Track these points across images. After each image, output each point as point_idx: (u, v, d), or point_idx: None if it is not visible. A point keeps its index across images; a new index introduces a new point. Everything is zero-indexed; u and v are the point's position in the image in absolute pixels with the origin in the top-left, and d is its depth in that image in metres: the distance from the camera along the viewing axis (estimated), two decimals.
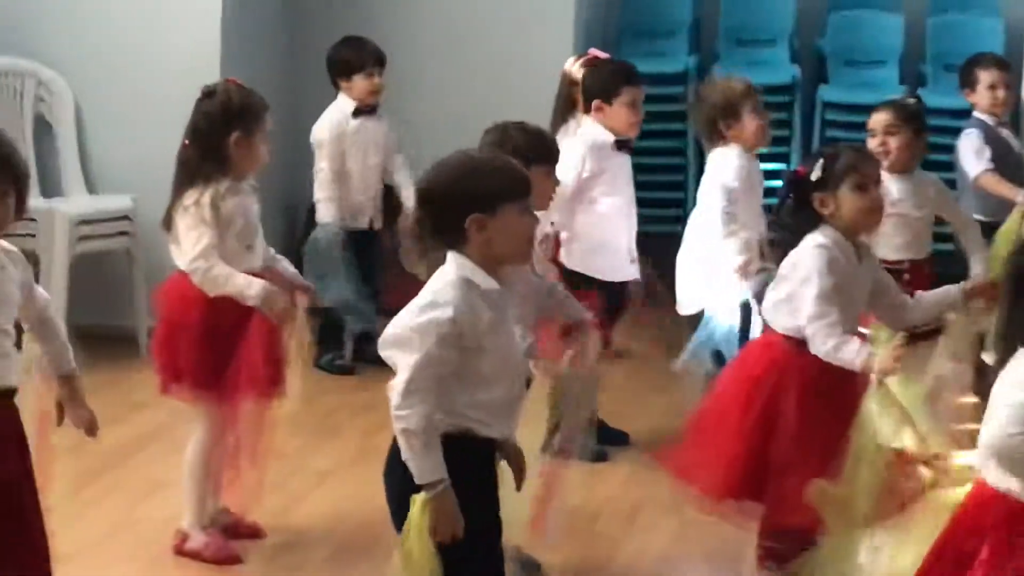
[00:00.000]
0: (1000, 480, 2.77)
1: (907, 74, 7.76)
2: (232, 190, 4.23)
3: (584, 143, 5.13)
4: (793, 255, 3.82)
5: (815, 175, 3.81)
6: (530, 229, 3.09)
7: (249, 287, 4.18)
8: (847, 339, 3.63)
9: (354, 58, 6.08)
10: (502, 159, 3.23)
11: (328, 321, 5.95)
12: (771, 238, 4.47)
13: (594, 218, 5.14)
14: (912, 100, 5.79)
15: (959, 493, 3.20)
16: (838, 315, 3.68)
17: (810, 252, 3.73)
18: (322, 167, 6.08)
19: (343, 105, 6.04)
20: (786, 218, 4.04)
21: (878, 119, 5.18)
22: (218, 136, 4.21)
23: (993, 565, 2.80)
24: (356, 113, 6.04)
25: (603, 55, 5.65)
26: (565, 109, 5.48)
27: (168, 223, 4.21)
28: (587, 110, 5.23)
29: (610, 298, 5.14)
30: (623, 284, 5.28)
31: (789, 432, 3.78)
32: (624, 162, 5.27)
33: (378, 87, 6.09)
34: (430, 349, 2.84)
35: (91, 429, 3.43)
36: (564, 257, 5.11)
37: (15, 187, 3.09)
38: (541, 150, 4.06)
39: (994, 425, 2.77)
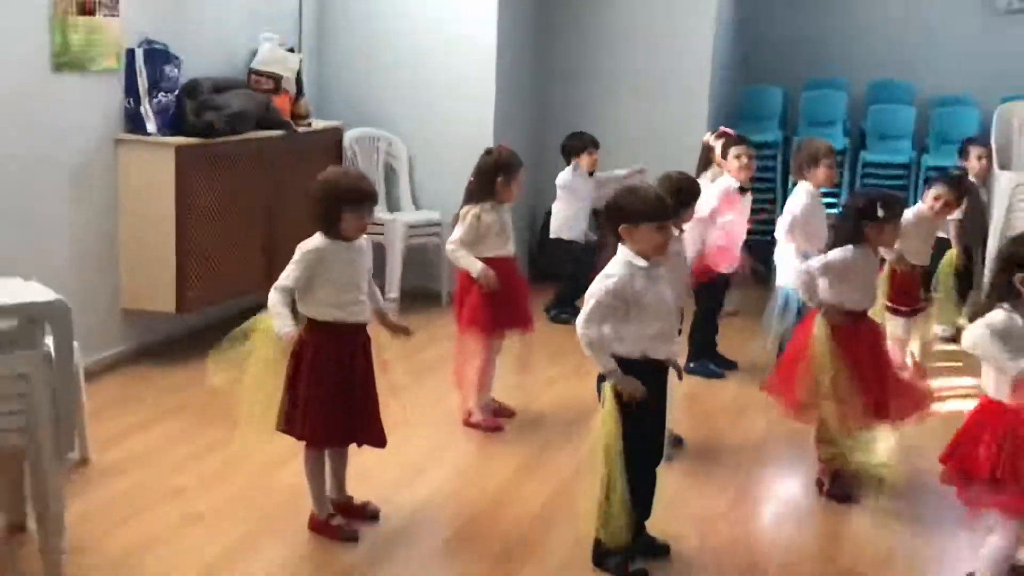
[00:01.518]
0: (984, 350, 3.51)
1: (916, 145, 8.87)
2: (492, 210, 5.12)
3: (718, 187, 6.17)
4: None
5: (880, 213, 4.43)
6: (662, 241, 3.78)
7: (472, 265, 5.08)
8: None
9: (578, 144, 7.36)
10: (651, 193, 3.89)
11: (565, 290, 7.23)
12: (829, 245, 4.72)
13: (718, 232, 6.11)
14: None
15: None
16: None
17: (844, 251, 4.49)
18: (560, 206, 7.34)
19: (576, 171, 7.30)
20: (843, 234, 4.59)
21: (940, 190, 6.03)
22: (490, 178, 5.14)
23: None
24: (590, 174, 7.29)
25: (730, 131, 6.72)
26: (703, 165, 6.64)
27: (454, 224, 5.23)
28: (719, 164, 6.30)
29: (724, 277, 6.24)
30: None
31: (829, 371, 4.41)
32: (744, 199, 6.26)
33: (595, 162, 7.34)
34: (601, 298, 3.66)
35: (404, 332, 4.25)
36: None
37: (371, 206, 4.00)
38: (688, 194, 4.92)
39: (976, 325, 3.58)
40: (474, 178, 5.23)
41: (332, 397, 3.96)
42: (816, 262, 4.59)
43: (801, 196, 5.93)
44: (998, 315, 3.59)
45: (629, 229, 3.78)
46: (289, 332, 3.89)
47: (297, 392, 3.96)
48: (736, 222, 6.25)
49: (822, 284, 4.55)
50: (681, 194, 4.81)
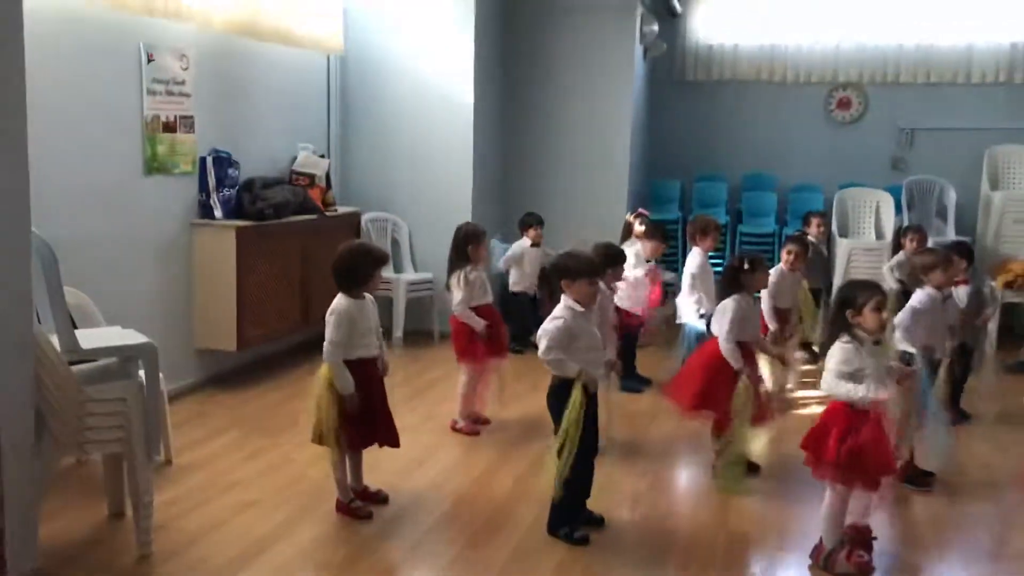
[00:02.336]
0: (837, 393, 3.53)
1: (778, 220, 8.99)
2: (472, 270, 5.12)
3: (636, 254, 6.14)
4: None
5: (747, 266, 4.51)
6: (593, 292, 3.81)
7: (476, 324, 5.05)
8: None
9: (528, 221, 7.19)
10: (585, 256, 3.92)
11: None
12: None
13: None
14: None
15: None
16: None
17: (728, 304, 4.49)
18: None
19: (525, 241, 7.22)
20: (725, 287, 4.57)
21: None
22: (462, 247, 5.09)
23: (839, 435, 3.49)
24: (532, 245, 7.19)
25: (645, 212, 6.90)
26: (624, 236, 6.67)
27: (448, 287, 5.23)
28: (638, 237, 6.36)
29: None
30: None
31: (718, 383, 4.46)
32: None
33: (540, 235, 7.18)
34: (553, 334, 3.70)
35: (384, 371, 4.10)
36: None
37: (382, 267, 4.02)
38: (613, 258, 4.92)
39: (827, 371, 3.58)
40: (452, 248, 5.20)
41: (357, 414, 3.94)
42: (727, 326, 4.47)
43: (696, 257, 5.98)
44: (838, 352, 3.58)
45: (568, 283, 3.80)
46: (352, 393, 3.90)
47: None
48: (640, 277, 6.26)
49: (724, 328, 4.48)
50: (610, 259, 4.84)
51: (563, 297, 3.82)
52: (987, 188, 8.58)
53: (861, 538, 3.72)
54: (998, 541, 4.09)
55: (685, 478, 4.89)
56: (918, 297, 4.68)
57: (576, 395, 3.69)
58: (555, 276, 3.86)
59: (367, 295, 4.05)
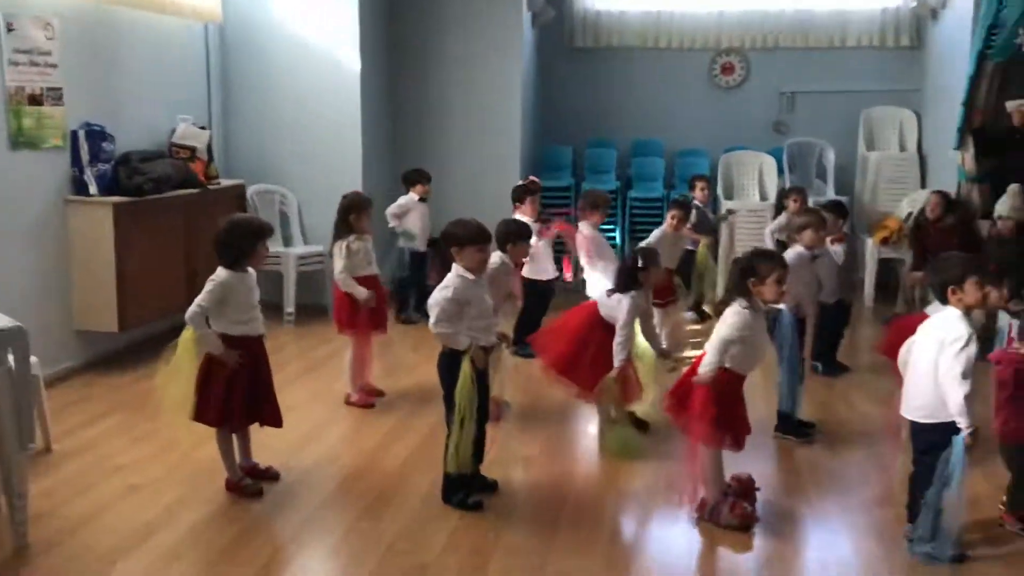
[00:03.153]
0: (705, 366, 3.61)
1: (666, 185, 8.98)
2: (356, 240, 5.03)
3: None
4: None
5: (640, 263, 4.51)
6: (483, 259, 3.80)
7: (358, 293, 4.98)
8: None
9: (414, 177, 7.13)
10: (474, 223, 3.83)
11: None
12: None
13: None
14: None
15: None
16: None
17: (625, 301, 4.46)
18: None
19: (412, 196, 7.14)
20: (621, 284, 4.52)
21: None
22: (345, 217, 5.05)
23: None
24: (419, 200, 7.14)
25: (536, 179, 6.73)
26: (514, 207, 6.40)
27: (331, 255, 5.14)
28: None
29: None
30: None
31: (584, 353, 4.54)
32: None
33: (428, 191, 7.15)
34: (444, 305, 3.68)
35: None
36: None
37: (264, 240, 3.90)
38: (516, 234, 4.91)
39: (717, 332, 3.63)
40: (337, 218, 5.15)
41: (237, 391, 3.88)
42: (623, 320, 4.48)
43: (586, 231, 6.11)
44: (734, 316, 3.64)
45: (458, 250, 3.80)
46: (224, 350, 3.83)
47: (210, 389, 3.87)
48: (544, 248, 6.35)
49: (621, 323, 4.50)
50: (513, 235, 4.89)
51: (454, 265, 3.82)
52: (863, 149, 8.92)
53: (744, 489, 3.85)
54: (874, 487, 4.24)
55: (578, 441, 4.96)
56: (788, 255, 4.82)
57: (465, 369, 3.69)
58: (445, 243, 3.87)
59: (251, 270, 3.97)
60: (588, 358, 4.51)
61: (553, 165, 9.16)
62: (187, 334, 3.86)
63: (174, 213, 6.19)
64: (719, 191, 8.71)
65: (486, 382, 3.87)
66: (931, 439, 3.43)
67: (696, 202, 7.27)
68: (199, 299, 3.87)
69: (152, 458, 4.44)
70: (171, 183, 6.15)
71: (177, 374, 3.86)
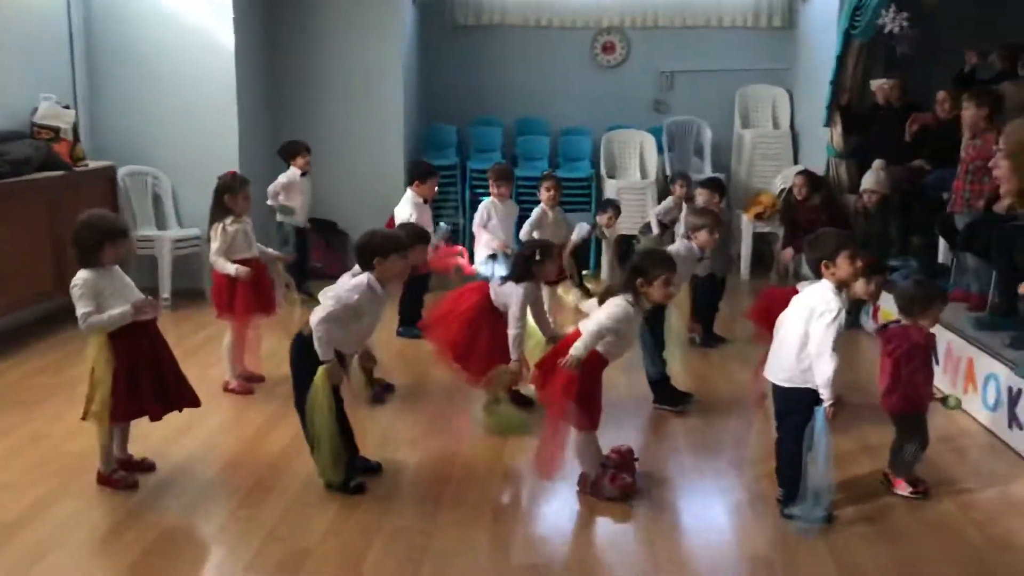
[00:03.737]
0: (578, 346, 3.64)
1: (551, 163, 8.93)
2: (233, 222, 4.94)
3: (413, 202, 6.11)
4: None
5: (538, 257, 4.52)
6: (406, 266, 3.85)
7: (227, 267, 4.90)
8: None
9: (293, 149, 7.06)
10: (389, 234, 3.97)
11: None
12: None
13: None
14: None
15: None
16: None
17: (518, 292, 4.46)
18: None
19: (294, 171, 7.04)
20: (515, 273, 4.55)
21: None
22: (220, 199, 4.95)
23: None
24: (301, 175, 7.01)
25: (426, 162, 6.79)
26: (412, 183, 6.27)
27: (208, 239, 5.03)
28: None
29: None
30: None
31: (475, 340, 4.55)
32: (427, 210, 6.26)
33: (308, 163, 7.04)
34: (339, 310, 3.63)
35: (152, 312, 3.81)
36: None
37: (114, 240, 3.76)
38: (419, 236, 4.80)
39: (591, 325, 3.70)
40: (213, 199, 5.04)
41: (143, 381, 3.78)
42: (516, 312, 4.48)
43: (486, 204, 6.21)
44: (616, 308, 3.70)
45: (381, 260, 3.74)
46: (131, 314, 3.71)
47: (116, 386, 3.73)
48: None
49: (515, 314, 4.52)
50: (416, 237, 4.77)
51: (367, 275, 3.75)
52: (739, 127, 9.19)
53: (624, 461, 3.93)
54: (747, 453, 4.38)
55: (463, 419, 4.95)
56: (677, 247, 4.93)
57: (318, 383, 3.62)
58: (366, 255, 3.78)
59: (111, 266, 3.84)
60: (481, 346, 4.53)
61: (438, 144, 9.11)
62: (93, 341, 3.72)
63: (35, 197, 5.93)
64: (602, 170, 8.82)
65: (339, 394, 3.78)
66: (791, 402, 3.56)
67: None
68: (78, 309, 3.73)
69: (16, 454, 4.26)
70: (32, 165, 5.92)
71: (100, 383, 3.71)
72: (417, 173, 6.34)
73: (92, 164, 6.71)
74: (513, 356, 4.45)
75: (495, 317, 4.58)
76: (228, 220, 4.98)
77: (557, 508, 3.82)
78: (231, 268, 4.92)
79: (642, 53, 9.51)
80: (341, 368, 3.71)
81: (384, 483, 3.99)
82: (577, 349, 3.67)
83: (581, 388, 3.67)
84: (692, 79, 9.48)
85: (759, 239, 8.40)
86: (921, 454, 3.90)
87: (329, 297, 3.67)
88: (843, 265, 3.50)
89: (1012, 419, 4.38)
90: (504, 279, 4.62)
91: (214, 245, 4.97)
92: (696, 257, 5.07)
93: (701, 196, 6.30)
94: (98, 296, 3.71)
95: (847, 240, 3.59)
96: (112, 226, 3.81)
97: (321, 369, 3.64)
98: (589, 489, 3.86)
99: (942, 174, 6.24)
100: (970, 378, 4.76)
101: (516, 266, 4.60)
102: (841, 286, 3.54)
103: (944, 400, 4.03)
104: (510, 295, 4.50)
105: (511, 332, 4.47)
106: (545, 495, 3.94)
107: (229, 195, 4.98)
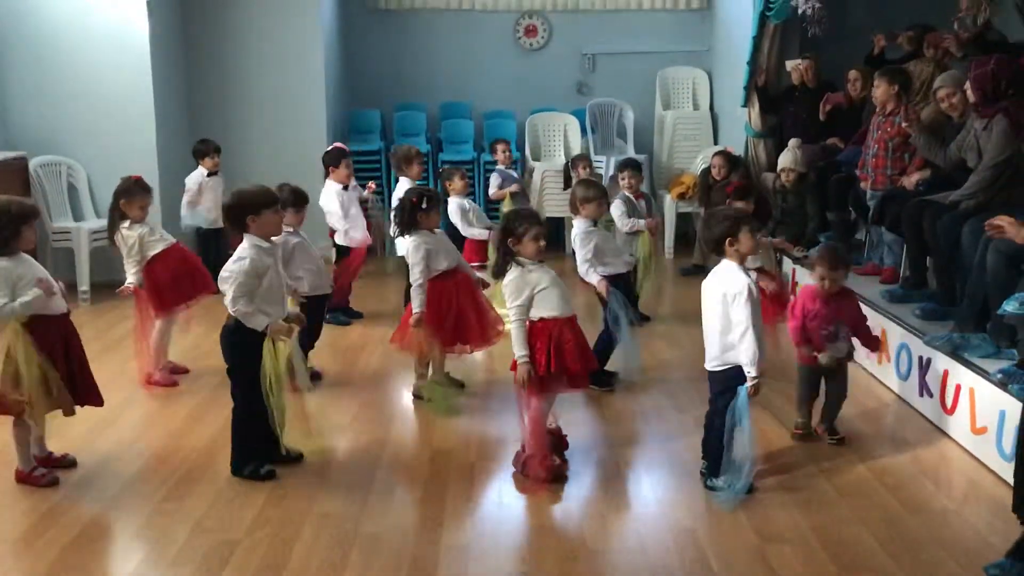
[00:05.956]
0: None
1: (476, 147, 8.95)
2: (132, 225, 4.86)
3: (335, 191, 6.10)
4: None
5: (424, 204, 4.49)
6: (279, 222, 3.83)
7: (137, 277, 4.85)
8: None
9: (203, 149, 7.01)
10: (259, 187, 3.81)
11: None
12: None
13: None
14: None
15: None
16: None
17: (411, 244, 4.50)
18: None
19: (201, 171, 6.98)
20: (403, 226, 4.54)
21: None
22: (116, 204, 4.88)
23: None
24: (209, 175, 6.96)
25: (342, 145, 6.62)
26: (328, 172, 6.25)
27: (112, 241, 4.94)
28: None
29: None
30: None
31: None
32: (353, 195, 6.22)
33: (217, 164, 6.97)
34: (241, 279, 3.61)
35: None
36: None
37: (27, 223, 3.67)
38: (300, 196, 4.97)
39: (508, 305, 3.71)
40: (112, 201, 4.95)
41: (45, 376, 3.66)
42: (419, 266, 4.48)
43: (404, 185, 6.00)
44: (509, 288, 3.74)
45: (254, 217, 3.69)
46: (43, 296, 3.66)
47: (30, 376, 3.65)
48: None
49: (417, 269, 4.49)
50: (297, 198, 4.89)
51: (246, 237, 3.71)
52: (660, 108, 9.29)
53: (554, 442, 3.95)
54: (671, 429, 4.47)
55: (392, 404, 4.95)
56: (575, 230, 4.89)
57: (268, 349, 3.62)
58: (237, 215, 3.73)
59: (24, 254, 3.75)
60: (456, 317, 4.51)
61: (362, 129, 9.02)
62: (9, 332, 3.62)
63: None
64: (527, 152, 8.84)
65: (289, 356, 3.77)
66: (721, 382, 3.65)
67: (499, 165, 7.44)
68: None
69: None
70: None
71: (25, 376, 3.62)
72: (329, 160, 6.27)
73: (2, 155, 6.52)
74: (415, 308, 4.42)
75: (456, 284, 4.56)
76: (125, 224, 4.88)
77: (487, 489, 3.84)
78: (133, 279, 4.87)
79: (564, 36, 9.53)
80: (284, 324, 3.68)
81: (313, 470, 3.97)
82: (517, 347, 3.73)
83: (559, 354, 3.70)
84: (614, 61, 9.53)
85: (682, 219, 8.52)
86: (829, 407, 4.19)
87: (224, 280, 3.64)
88: (745, 240, 3.56)
89: (923, 387, 4.51)
90: (398, 234, 4.61)
91: (125, 256, 4.89)
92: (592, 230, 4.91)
93: (621, 178, 6.29)
94: (14, 285, 3.62)
95: (743, 215, 3.68)
96: (25, 209, 3.72)
97: (267, 340, 3.63)
98: (520, 468, 3.89)
99: (855, 151, 6.39)
100: (883, 348, 4.88)
101: (401, 218, 4.53)
102: (743, 261, 3.60)
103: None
104: (408, 250, 4.48)
105: (414, 291, 4.44)
106: (475, 477, 3.95)
107: (126, 200, 4.86)
